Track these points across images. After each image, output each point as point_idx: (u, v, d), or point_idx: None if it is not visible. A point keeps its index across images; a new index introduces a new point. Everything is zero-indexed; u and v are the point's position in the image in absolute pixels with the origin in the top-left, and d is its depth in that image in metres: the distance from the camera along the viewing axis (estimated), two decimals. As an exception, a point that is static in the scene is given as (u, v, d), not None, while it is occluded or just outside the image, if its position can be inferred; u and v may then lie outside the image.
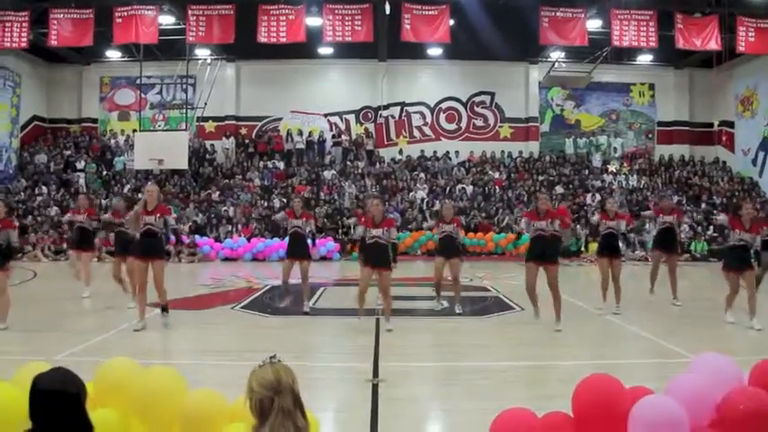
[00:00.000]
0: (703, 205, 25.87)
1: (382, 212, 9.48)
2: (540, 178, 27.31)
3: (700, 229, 23.95)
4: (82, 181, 26.27)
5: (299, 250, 10.97)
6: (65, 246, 20.42)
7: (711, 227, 23.93)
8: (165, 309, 9.58)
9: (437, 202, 22.70)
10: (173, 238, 20.26)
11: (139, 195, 24.29)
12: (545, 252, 9.33)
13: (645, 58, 28.35)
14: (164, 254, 9.96)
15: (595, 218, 11.77)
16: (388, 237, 9.36)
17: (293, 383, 2.63)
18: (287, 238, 11.45)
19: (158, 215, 9.45)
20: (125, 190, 25.39)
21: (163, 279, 9.46)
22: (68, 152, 27.87)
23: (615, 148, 29.62)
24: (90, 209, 13.20)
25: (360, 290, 9.58)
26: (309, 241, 11.20)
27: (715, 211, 24.99)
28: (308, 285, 11.17)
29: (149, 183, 10.45)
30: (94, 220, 13.09)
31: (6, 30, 21.52)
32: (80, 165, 27.11)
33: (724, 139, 29.48)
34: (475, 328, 10.18)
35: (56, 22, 21.49)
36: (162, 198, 9.85)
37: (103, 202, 23.32)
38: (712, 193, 26.60)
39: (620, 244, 11.85)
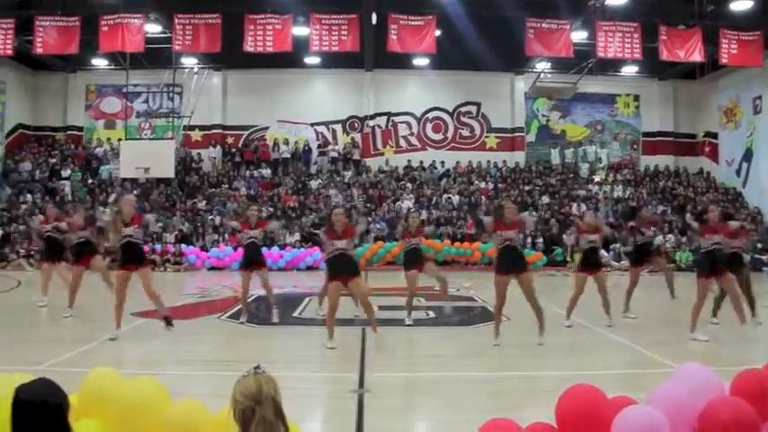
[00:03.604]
0: (687, 215, 26.00)
1: (344, 223, 9.05)
2: (527, 188, 27.43)
3: (684, 239, 24.08)
4: (67, 189, 26.13)
5: (253, 259, 10.87)
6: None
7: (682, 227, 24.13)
8: (167, 320, 9.36)
9: (422, 211, 22.76)
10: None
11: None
12: (516, 262, 9.05)
13: (630, 70, 28.62)
14: (146, 260, 9.79)
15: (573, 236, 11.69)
16: (352, 246, 9.11)
17: (275, 394, 2.64)
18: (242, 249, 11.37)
19: (136, 226, 9.40)
20: (110, 199, 25.26)
21: (151, 285, 9.38)
22: (54, 160, 27.71)
23: (600, 159, 29.82)
24: (59, 217, 12.99)
25: (330, 307, 8.94)
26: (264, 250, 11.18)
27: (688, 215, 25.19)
28: (271, 294, 11.09)
29: (125, 194, 10.26)
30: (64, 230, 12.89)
31: (-8, 37, 21.51)
32: (65, 173, 26.97)
33: (707, 149, 29.75)
34: (460, 338, 10.19)
35: (41, 29, 21.45)
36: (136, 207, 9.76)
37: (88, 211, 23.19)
38: (697, 204, 26.79)
39: (604, 254, 11.79)
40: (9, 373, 4.04)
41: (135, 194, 24.35)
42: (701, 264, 9.75)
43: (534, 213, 24.44)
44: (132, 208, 9.60)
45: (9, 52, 22.31)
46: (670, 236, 23.69)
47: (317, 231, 9.91)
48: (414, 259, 10.83)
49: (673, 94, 30.03)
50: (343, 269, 8.91)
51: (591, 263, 10.89)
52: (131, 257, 9.36)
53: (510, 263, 9.05)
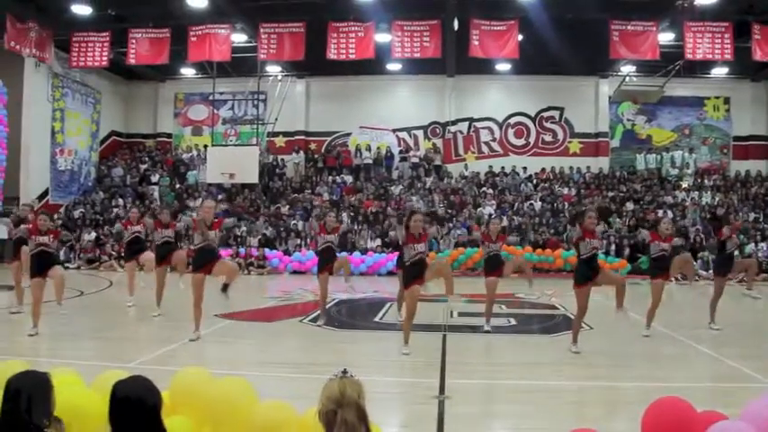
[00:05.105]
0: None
1: (422, 227, 8.87)
2: (610, 194, 26.81)
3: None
4: (156, 194, 27.07)
5: (329, 263, 11.17)
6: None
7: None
8: (225, 288, 9.72)
9: (503, 217, 22.55)
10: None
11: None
12: (597, 272, 9.07)
13: (720, 71, 27.49)
14: (218, 256, 10.08)
15: (644, 234, 11.17)
16: (427, 251, 8.98)
17: (359, 398, 2.68)
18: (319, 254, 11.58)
19: (216, 230, 9.75)
20: (197, 203, 26.02)
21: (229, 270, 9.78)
22: (144, 166, 28.83)
23: (688, 164, 28.81)
24: (142, 219, 13.51)
25: (408, 312, 8.87)
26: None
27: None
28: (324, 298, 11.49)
29: (207, 199, 10.56)
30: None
31: (89, 50, 22.66)
32: (155, 178, 27.96)
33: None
34: (542, 346, 10.07)
35: (134, 41, 22.41)
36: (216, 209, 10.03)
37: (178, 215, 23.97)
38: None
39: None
40: (105, 370, 4.25)
41: (220, 199, 25.10)
42: None
43: (618, 220, 24.11)
44: (210, 214, 9.81)
45: (105, 63, 23.40)
46: (762, 244, 22.71)
47: (394, 233, 9.99)
48: (494, 266, 10.77)
49: (766, 95, 28.81)
50: (419, 275, 8.80)
51: (662, 269, 10.54)
52: (207, 261, 9.61)
53: (589, 273, 8.99)
